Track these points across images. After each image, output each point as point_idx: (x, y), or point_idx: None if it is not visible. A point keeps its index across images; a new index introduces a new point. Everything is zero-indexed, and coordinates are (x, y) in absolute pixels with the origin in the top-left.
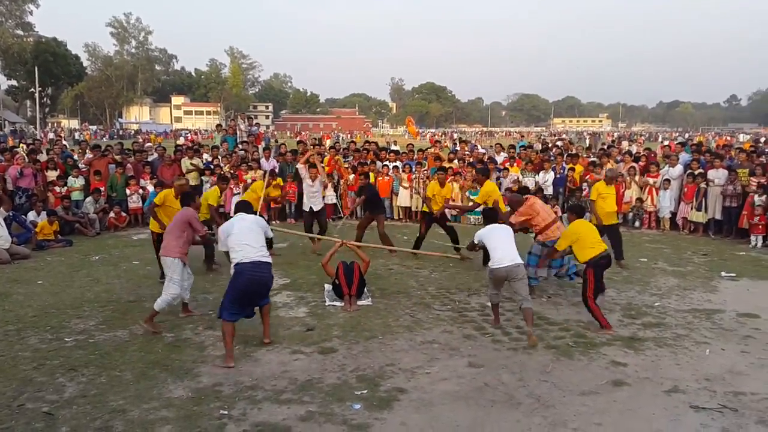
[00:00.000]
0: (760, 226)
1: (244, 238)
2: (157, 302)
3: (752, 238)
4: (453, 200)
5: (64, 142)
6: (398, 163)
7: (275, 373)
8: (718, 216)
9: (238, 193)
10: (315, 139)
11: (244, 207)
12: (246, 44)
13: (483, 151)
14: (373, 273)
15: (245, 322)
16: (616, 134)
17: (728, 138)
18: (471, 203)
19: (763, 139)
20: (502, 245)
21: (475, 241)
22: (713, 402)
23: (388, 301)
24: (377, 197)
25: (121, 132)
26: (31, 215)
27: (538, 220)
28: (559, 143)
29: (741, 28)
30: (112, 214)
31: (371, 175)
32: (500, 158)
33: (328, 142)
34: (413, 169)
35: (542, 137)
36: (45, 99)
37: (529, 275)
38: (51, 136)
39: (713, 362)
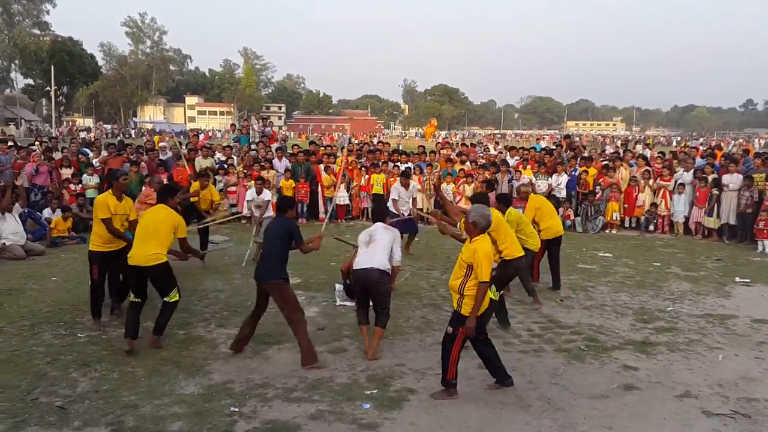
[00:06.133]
0: (766, 231)
1: None
2: None
3: (759, 243)
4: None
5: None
6: (410, 165)
7: (286, 371)
8: (732, 221)
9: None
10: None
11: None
12: (259, 45)
13: (494, 153)
14: None
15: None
16: (630, 138)
17: (744, 143)
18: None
19: None
20: None
21: None
22: (725, 408)
23: (399, 302)
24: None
25: (134, 131)
26: (46, 212)
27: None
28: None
29: (758, 31)
30: None
31: None
32: (513, 161)
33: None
34: (423, 171)
35: (557, 140)
36: (60, 98)
37: None
38: (83, 135)
39: (726, 368)
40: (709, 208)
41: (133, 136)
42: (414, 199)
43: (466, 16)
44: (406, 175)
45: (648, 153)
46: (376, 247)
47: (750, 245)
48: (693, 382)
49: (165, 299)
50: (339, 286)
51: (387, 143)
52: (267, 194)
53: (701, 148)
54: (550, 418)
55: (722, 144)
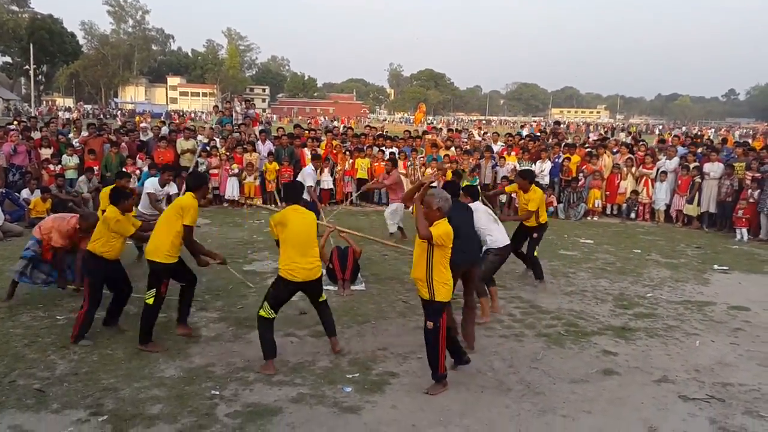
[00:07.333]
0: (744, 219)
1: None
2: None
3: (737, 231)
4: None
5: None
6: (395, 150)
7: None
8: (712, 209)
9: (234, 175)
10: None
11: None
12: (244, 26)
13: (479, 138)
14: (368, 258)
15: (242, 304)
16: (615, 126)
17: (725, 131)
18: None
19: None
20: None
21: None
22: (701, 392)
23: (382, 286)
24: None
25: (115, 112)
26: (25, 193)
27: None
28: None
29: (741, 22)
30: None
31: None
32: (497, 147)
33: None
34: (409, 156)
35: (544, 127)
36: (40, 77)
37: None
38: (67, 115)
39: (703, 353)
40: (691, 196)
41: (118, 117)
42: (318, 182)
43: (454, 2)
44: (317, 158)
45: (629, 140)
46: (500, 225)
47: (729, 233)
48: (671, 368)
49: (320, 301)
50: (322, 271)
51: (373, 127)
52: (173, 188)
53: (683, 137)
54: (529, 402)
55: (701, 132)
